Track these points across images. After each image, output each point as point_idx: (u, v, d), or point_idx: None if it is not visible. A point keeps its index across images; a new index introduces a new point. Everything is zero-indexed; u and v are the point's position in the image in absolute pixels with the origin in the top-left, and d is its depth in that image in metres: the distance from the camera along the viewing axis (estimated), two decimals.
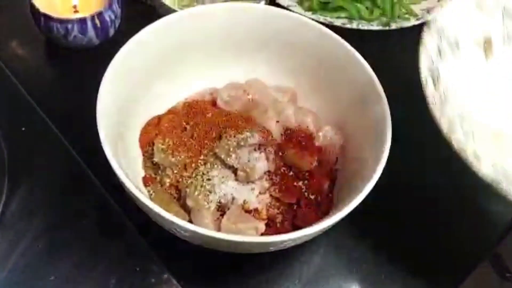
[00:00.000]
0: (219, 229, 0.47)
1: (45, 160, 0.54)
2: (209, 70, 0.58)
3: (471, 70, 0.53)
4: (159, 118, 0.54)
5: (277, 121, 0.54)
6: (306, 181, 0.52)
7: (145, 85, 0.53)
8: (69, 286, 0.47)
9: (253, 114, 0.54)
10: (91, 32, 0.60)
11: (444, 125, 0.45)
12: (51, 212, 0.50)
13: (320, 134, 0.54)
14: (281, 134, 0.54)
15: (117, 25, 0.63)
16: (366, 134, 0.50)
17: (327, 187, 0.52)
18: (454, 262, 0.52)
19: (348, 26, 0.70)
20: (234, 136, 0.50)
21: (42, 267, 0.47)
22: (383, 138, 0.46)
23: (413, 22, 0.72)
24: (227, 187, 0.49)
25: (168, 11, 0.61)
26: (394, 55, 0.72)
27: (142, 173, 0.51)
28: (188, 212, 0.48)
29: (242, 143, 0.50)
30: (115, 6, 0.62)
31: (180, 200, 0.49)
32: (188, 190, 0.48)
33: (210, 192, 0.48)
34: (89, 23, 0.60)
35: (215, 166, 0.50)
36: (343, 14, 0.72)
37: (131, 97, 0.51)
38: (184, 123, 0.53)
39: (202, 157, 0.50)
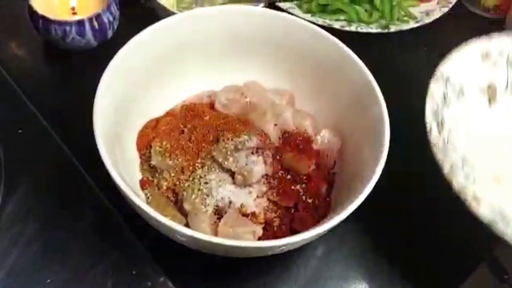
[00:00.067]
0: (216, 233, 0.46)
1: (42, 163, 0.54)
2: (207, 72, 0.57)
3: (474, 115, 0.57)
4: (157, 120, 0.54)
5: (275, 124, 0.54)
6: (304, 185, 0.51)
7: (143, 87, 0.53)
8: None
9: (251, 117, 0.54)
10: (89, 34, 0.60)
11: (446, 166, 0.47)
12: (47, 214, 0.50)
13: (318, 137, 0.54)
14: (279, 138, 0.54)
15: (115, 27, 0.63)
16: (364, 136, 0.50)
17: (325, 190, 0.52)
18: (454, 263, 0.52)
19: (347, 28, 0.70)
20: (232, 139, 0.50)
21: (38, 270, 0.47)
22: (381, 140, 0.46)
23: (412, 25, 0.72)
24: (224, 191, 0.49)
25: (167, 13, 0.61)
26: (393, 57, 0.72)
27: (139, 176, 0.51)
28: (185, 215, 0.48)
29: (239, 147, 0.50)
30: (114, 8, 0.62)
31: (177, 204, 0.49)
32: (185, 193, 0.48)
33: (208, 195, 0.48)
34: (87, 25, 0.59)
35: (213, 169, 0.50)
36: (342, 17, 0.72)
37: (129, 98, 0.51)
38: (182, 126, 0.53)
39: (199, 160, 0.50)
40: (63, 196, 0.52)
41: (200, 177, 0.49)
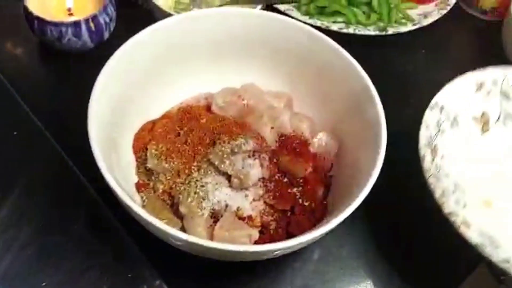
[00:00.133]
0: (212, 237, 0.46)
1: (37, 165, 0.54)
2: (204, 74, 0.57)
3: (467, 142, 0.58)
4: (153, 123, 0.54)
5: (272, 127, 0.53)
6: (300, 188, 0.51)
7: (139, 88, 0.52)
8: None
9: (248, 120, 0.53)
10: (85, 35, 0.60)
11: (437, 191, 0.49)
12: (42, 217, 0.50)
13: (315, 140, 0.54)
14: (276, 141, 0.53)
15: (112, 29, 0.63)
16: (361, 138, 0.50)
17: (322, 193, 0.52)
18: (453, 263, 0.52)
19: (345, 30, 0.70)
20: (228, 142, 0.50)
21: (33, 273, 0.47)
22: (378, 142, 0.46)
23: (410, 27, 0.72)
24: (220, 194, 0.49)
25: (164, 14, 0.61)
26: (391, 59, 0.72)
27: (135, 179, 0.51)
28: (181, 218, 0.48)
29: (236, 150, 0.49)
30: (110, 9, 0.61)
31: (173, 207, 0.49)
32: (181, 196, 0.48)
33: (204, 198, 0.48)
34: (83, 27, 0.59)
35: (209, 172, 0.49)
36: (340, 19, 0.72)
37: (125, 100, 0.50)
38: (178, 129, 0.53)
39: (195, 163, 0.50)
40: (58, 198, 0.52)
41: (196, 180, 0.49)
